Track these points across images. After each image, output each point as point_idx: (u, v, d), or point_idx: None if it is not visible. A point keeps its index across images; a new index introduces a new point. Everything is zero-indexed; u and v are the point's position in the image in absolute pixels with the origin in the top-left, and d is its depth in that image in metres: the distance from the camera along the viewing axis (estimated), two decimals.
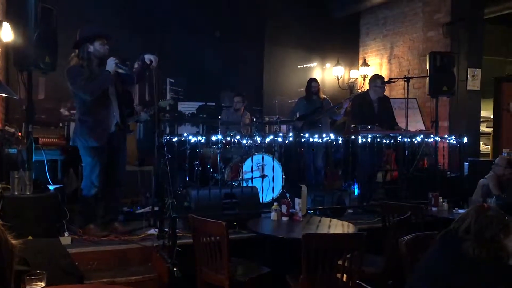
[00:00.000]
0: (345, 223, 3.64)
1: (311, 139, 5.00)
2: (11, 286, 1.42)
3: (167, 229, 3.61)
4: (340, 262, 2.72)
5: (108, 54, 3.86)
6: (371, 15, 8.92)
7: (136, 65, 3.94)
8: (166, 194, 3.89)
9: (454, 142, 5.53)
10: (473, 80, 6.97)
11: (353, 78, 8.94)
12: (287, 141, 5.07)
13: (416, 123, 6.84)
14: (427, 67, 6.08)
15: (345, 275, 2.73)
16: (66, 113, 6.49)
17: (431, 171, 5.78)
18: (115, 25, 5.82)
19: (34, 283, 1.75)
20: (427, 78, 6.04)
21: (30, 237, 3.03)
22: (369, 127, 5.22)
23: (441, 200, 4.48)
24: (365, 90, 6.32)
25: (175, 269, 3.20)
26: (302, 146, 5.73)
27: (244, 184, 4.85)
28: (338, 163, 6.69)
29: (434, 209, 4.40)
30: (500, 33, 8.71)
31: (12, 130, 4.53)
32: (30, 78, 3.99)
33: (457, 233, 1.90)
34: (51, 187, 3.89)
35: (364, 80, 8.61)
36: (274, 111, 7.58)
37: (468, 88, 6.95)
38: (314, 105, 6.48)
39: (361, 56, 9.15)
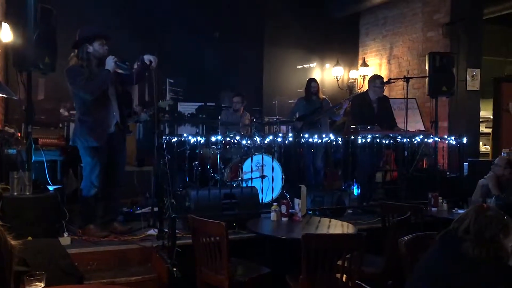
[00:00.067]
0: (345, 223, 3.64)
1: (310, 140, 5.00)
2: (10, 287, 1.42)
3: (166, 230, 3.61)
4: (339, 262, 2.72)
5: (107, 54, 3.86)
6: (370, 16, 8.92)
7: (135, 66, 3.94)
8: (165, 195, 3.90)
9: (454, 142, 5.54)
10: (473, 80, 6.97)
11: (352, 79, 8.94)
12: (286, 142, 5.07)
13: (416, 124, 6.84)
14: (427, 67, 6.09)
15: (344, 275, 2.73)
16: (66, 113, 6.49)
17: (430, 171, 5.78)
18: (114, 25, 5.82)
19: (33, 284, 1.75)
20: (427, 79, 6.04)
21: (29, 238, 3.04)
22: (368, 127, 5.22)
23: (441, 200, 4.48)
24: (365, 90, 6.32)
25: (174, 269, 3.20)
26: (301, 146, 5.72)
27: (244, 185, 4.85)
28: (338, 164, 6.69)
29: (433, 209, 4.40)
30: (500, 34, 8.72)
31: (12, 130, 4.53)
32: (30, 79, 3.99)
33: (457, 233, 1.90)
34: (50, 188, 3.89)
35: (363, 80, 8.62)
36: (274, 112, 7.58)
37: (468, 88, 6.95)
38: (313, 105, 6.48)
39: (360, 57, 9.15)
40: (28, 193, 3.56)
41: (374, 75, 6.16)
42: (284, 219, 3.64)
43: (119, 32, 5.66)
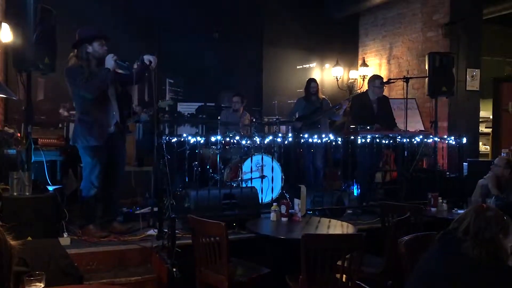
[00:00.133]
0: (345, 223, 3.64)
1: (310, 140, 5.00)
2: (10, 287, 1.42)
3: (166, 230, 3.61)
4: (339, 263, 2.72)
5: (106, 54, 3.86)
6: (370, 16, 8.92)
7: (135, 66, 3.94)
8: (165, 195, 3.90)
9: (453, 142, 5.54)
10: (472, 80, 6.98)
11: (352, 79, 8.94)
12: (286, 142, 5.07)
13: (415, 124, 6.84)
14: (426, 67, 6.09)
15: (344, 276, 2.73)
16: (65, 113, 6.49)
17: (430, 171, 5.78)
18: (114, 25, 5.82)
19: (33, 284, 1.76)
20: (426, 79, 6.05)
21: (29, 238, 3.04)
22: (368, 127, 5.22)
23: (441, 200, 4.48)
24: (364, 90, 6.32)
25: (174, 269, 3.19)
26: (301, 146, 5.73)
27: (244, 185, 4.85)
28: (337, 164, 6.69)
29: (433, 209, 4.40)
30: (499, 34, 8.73)
31: (11, 130, 4.53)
32: (29, 79, 3.99)
33: (456, 234, 1.90)
34: (50, 188, 3.89)
35: (363, 80, 8.62)
36: (273, 112, 7.59)
37: (467, 88, 6.96)
38: (313, 105, 6.48)
39: (360, 57, 9.16)
40: (27, 193, 3.56)
41: (374, 75, 6.16)
42: (284, 219, 3.64)
43: (119, 32, 5.67)
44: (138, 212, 4.60)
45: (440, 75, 5.95)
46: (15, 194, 3.53)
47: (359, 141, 5.05)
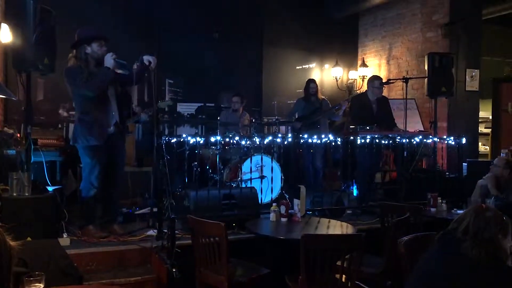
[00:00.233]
0: (344, 223, 3.64)
1: (310, 140, 5.00)
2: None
3: (166, 230, 3.61)
4: (339, 263, 2.72)
5: (105, 55, 3.86)
6: (369, 16, 8.93)
7: (135, 66, 3.94)
8: (165, 195, 3.90)
9: (453, 142, 5.54)
10: (472, 80, 6.98)
11: (351, 79, 8.95)
12: (286, 142, 5.07)
13: (415, 124, 6.85)
14: (426, 68, 6.09)
15: (344, 276, 2.73)
16: (65, 114, 6.49)
17: (430, 171, 5.79)
18: (114, 25, 5.83)
19: (33, 284, 1.76)
20: (426, 79, 6.05)
21: (28, 238, 3.04)
22: (368, 127, 5.23)
23: (440, 200, 4.49)
24: (364, 91, 6.33)
25: (174, 270, 3.19)
26: (301, 147, 5.73)
27: (243, 185, 4.85)
28: (337, 164, 6.69)
29: (433, 209, 4.41)
30: (499, 34, 8.73)
31: (11, 131, 4.52)
32: (29, 80, 3.99)
33: (456, 234, 1.90)
34: (49, 188, 3.89)
35: (362, 81, 8.62)
36: (273, 112, 7.58)
37: (467, 88, 6.96)
38: (313, 106, 6.49)
39: (359, 57, 9.16)
40: (27, 194, 3.56)
41: (373, 76, 6.16)
42: (284, 219, 3.65)
43: (119, 32, 5.67)
44: (138, 212, 4.60)
45: (439, 76, 5.95)
46: (14, 194, 3.53)
47: (358, 142, 5.05)
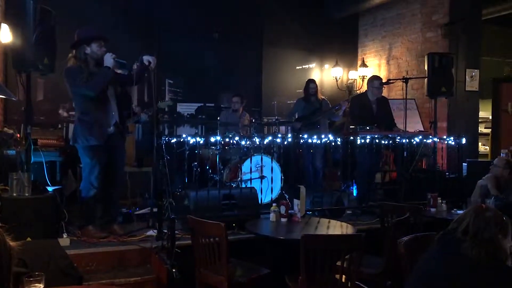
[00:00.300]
0: (344, 224, 3.64)
1: (309, 140, 5.00)
2: None
3: (166, 230, 3.61)
4: (339, 263, 2.72)
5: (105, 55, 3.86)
6: (369, 16, 8.93)
7: (135, 66, 3.94)
8: (164, 195, 3.89)
9: (453, 143, 5.54)
10: (472, 81, 6.98)
11: (351, 79, 8.95)
12: (285, 142, 5.07)
13: (415, 124, 6.85)
14: (426, 68, 6.09)
15: (344, 276, 2.73)
16: (65, 114, 6.49)
17: (429, 172, 5.79)
18: (114, 25, 5.83)
19: (32, 285, 1.76)
20: (426, 79, 6.05)
21: (28, 239, 3.04)
22: (367, 128, 5.23)
23: (440, 200, 4.48)
24: (364, 91, 6.33)
25: (174, 270, 3.19)
26: (300, 147, 5.73)
27: (243, 185, 4.85)
28: (337, 164, 6.69)
29: (432, 209, 4.40)
30: (499, 34, 8.73)
31: (11, 131, 4.52)
32: (29, 80, 3.99)
33: (456, 234, 1.90)
34: (49, 189, 3.89)
35: (362, 81, 8.62)
36: (273, 112, 7.58)
37: (467, 89, 6.96)
38: (312, 106, 6.49)
39: (359, 57, 9.16)
40: (27, 194, 3.56)
41: (373, 76, 6.16)
42: (283, 219, 3.64)
43: (119, 32, 5.68)
44: (137, 212, 4.60)
45: (439, 76, 5.95)
46: (14, 194, 3.53)
47: (358, 142, 5.05)
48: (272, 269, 3.20)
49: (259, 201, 4.48)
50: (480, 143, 8.07)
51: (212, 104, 7.25)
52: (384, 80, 6.01)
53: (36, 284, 1.76)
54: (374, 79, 5.66)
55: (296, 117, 6.55)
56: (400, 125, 5.48)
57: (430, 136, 5.65)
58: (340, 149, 5.60)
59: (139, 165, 5.76)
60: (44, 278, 1.80)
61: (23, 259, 2.17)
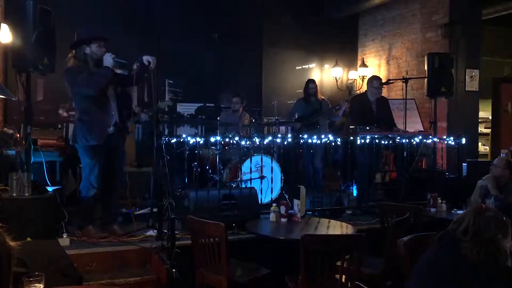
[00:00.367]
0: (344, 224, 3.65)
1: (309, 140, 5.00)
2: None
3: (166, 231, 3.60)
4: (339, 263, 2.72)
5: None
6: (369, 16, 8.93)
7: (134, 66, 3.94)
8: (164, 196, 3.89)
9: (453, 143, 5.54)
10: (472, 81, 6.98)
11: (351, 79, 8.95)
12: (285, 142, 5.08)
13: (415, 124, 6.85)
14: (425, 68, 6.10)
15: (344, 276, 2.73)
16: (65, 114, 6.48)
17: (429, 172, 5.79)
18: (113, 26, 5.82)
19: (32, 285, 1.75)
20: (426, 79, 6.05)
21: (28, 239, 3.04)
22: (367, 128, 5.23)
23: (440, 201, 4.49)
24: (364, 91, 6.33)
25: (173, 270, 3.19)
26: (300, 147, 5.73)
27: (243, 185, 4.85)
28: (337, 164, 6.69)
29: (432, 210, 4.41)
30: (498, 34, 8.73)
31: (11, 131, 4.52)
32: (29, 80, 3.99)
33: (455, 234, 1.90)
34: (49, 189, 3.88)
35: (362, 81, 8.62)
36: (273, 112, 7.58)
37: (467, 89, 6.96)
38: (312, 106, 6.49)
39: (359, 57, 9.16)
40: (27, 194, 3.55)
41: (373, 76, 6.17)
42: (283, 220, 3.65)
43: (118, 32, 5.67)
44: (137, 212, 4.60)
45: (439, 76, 5.96)
46: (14, 195, 3.52)
47: (358, 142, 5.06)
48: (272, 269, 3.20)
49: (259, 201, 4.48)
50: (480, 143, 8.06)
51: (212, 104, 7.25)
52: (384, 80, 6.02)
53: (36, 284, 1.76)
54: (374, 79, 5.66)
55: (296, 117, 6.55)
56: (400, 125, 5.49)
57: (430, 136, 5.65)
58: (340, 149, 5.60)
59: (139, 165, 5.76)
60: (44, 278, 1.80)
61: (23, 259, 2.17)
